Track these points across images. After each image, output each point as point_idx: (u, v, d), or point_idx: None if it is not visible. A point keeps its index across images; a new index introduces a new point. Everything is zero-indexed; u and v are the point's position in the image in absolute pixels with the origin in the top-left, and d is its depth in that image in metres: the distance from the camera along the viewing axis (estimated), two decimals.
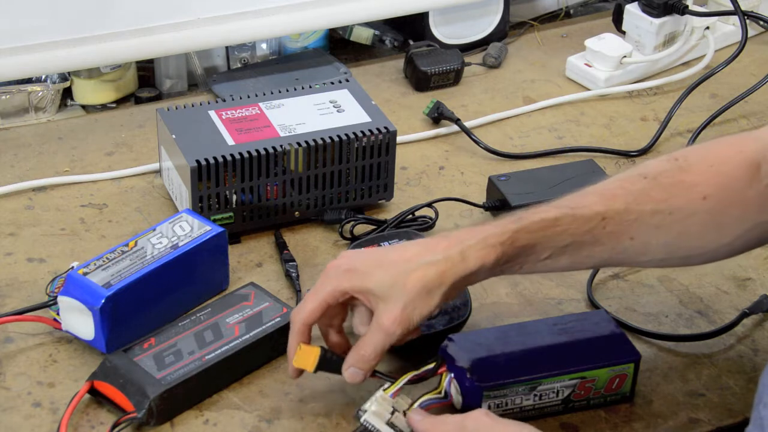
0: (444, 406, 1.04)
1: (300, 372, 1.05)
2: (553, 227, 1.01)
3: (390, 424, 1.00)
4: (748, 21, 1.59)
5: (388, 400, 1.01)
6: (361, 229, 1.29)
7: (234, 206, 1.26)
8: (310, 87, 1.36)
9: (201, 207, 1.24)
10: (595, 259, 1.04)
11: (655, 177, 1.04)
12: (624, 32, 1.63)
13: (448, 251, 1.00)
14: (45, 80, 1.49)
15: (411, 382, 1.03)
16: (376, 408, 1.00)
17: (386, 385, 1.02)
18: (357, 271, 1.01)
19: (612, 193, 1.03)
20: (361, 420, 1.00)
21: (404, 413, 1.01)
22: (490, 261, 1.00)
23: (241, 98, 1.33)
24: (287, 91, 1.35)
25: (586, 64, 1.60)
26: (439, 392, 1.04)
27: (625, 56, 1.58)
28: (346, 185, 1.30)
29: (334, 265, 1.02)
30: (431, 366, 1.04)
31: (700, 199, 1.02)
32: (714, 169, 1.03)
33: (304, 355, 1.03)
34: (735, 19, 1.63)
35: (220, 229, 1.18)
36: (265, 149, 1.24)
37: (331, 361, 1.03)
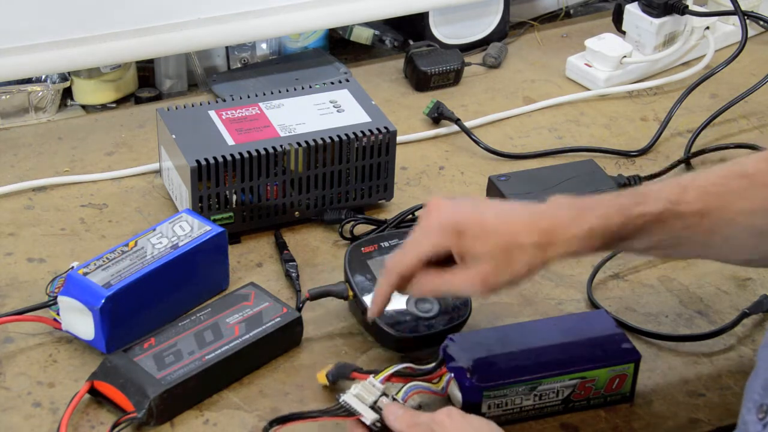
0: (438, 397, 1.05)
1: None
2: (656, 222, 1.00)
3: (375, 407, 1.00)
4: (748, 21, 1.59)
5: (378, 386, 1.01)
6: (361, 229, 1.29)
7: (234, 206, 1.26)
8: (310, 87, 1.36)
9: (201, 207, 1.24)
10: (684, 254, 1.05)
11: (754, 176, 1.03)
12: (624, 32, 1.63)
13: (552, 236, 0.99)
14: (45, 80, 1.49)
15: (407, 375, 1.03)
16: (358, 391, 1.01)
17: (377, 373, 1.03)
18: (465, 234, 0.99)
19: (709, 190, 1.02)
20: (340, 400, 1.00)
21: (393, 398, 1.01)
22: (587, 250, 1.00)
23: (241, 98, 1.33)
24: (287, 91, 1.35)
25: (586, 64, 1.60)
26: (437, 386, 1.04)
27: (625, 56, 1.58)
28: (346, 185, 1.30)
29: (437, 221, 1.01)
30: (431, 365, 1.04)
31: None
32: None
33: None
34: (735, 19, 1.63)
35: (220, 229, 1.18)
36: (265, 149, 1.24)
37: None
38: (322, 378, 1.06)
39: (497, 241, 0.99)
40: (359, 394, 1.00)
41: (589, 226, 0.99)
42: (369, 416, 0.99)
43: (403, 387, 1.02)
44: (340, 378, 1.05)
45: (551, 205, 1.01)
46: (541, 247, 0.98)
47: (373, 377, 1.02)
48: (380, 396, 1.00)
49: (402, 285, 1.02)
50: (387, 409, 0.99)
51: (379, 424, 0.99)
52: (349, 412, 1.00)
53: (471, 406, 1.04)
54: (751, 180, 1.03)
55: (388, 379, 1.02)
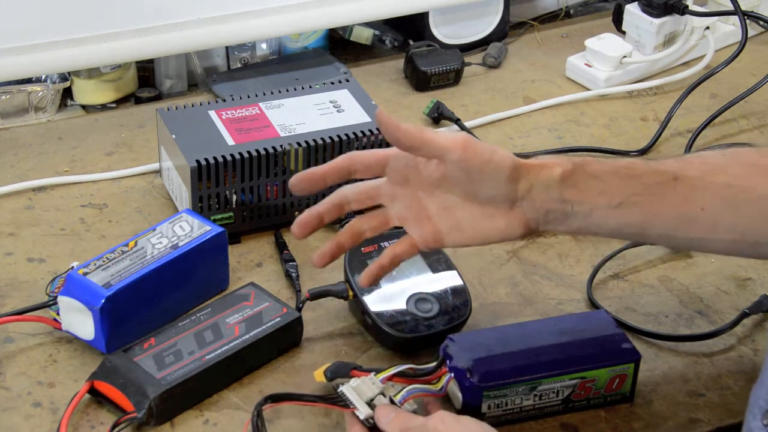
0: (436, 398, 1.04)
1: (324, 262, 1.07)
2: (625, 168, 1.02)
3: (371, 404, 1.00)
4: (748, 21, 1.58)
5: (378, 384, 1.01)
6: None
7: (234, 206, 1.26)
8: (310, 87, 1.36)
9: (201, 207, 1.24)
10: (665, 224, 1.02)
11: (734, 156, 1.04)
12: (624, 32, 1.63)
13: (527, 165, 1.01)
14: (45, 80, 1.49)
15: (409, 376, 1.03)
16: (357, 385, 1.01)
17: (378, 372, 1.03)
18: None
19: (688, 160, 1.04)
20: (338, 390, 1.01)
21: (391, 399, 1.01)
22: (560, 170, 1.00)
23: (241, 98, 1.33)
24: (287, 91, 1.35)
25: (586, 64, 1.60)
26: (436, 386, 1.04)
27: (625, 56, 1.58)
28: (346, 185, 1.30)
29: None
30: (432, 365, 1.04)
31: None
32: None
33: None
34: (735, 19, 1.63)
35: (220, 229, 1.18)
36: (265, 149, 1.24)
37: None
38: (320, 376, 1.06)
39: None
40: (358, 388, 1.01)
41: (557, 158, 1.02)
42: (363, 411, 0.99)
43: (401, 389, 1.02)
44: (338, 376, 1.05)
45: None
46: (516, 160, 1.00)
47: (374, 375, 1.02)
48: (378, 394, 1.00)
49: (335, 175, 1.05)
50: (380, 411, 0.99)
51: (372, 421, 0.99)
52: (344, 403, 1.00)
53: (471, 406, 1.04)
54: (729, 157, 1.04)
55: (389, 379, 1.02)
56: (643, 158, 1.03)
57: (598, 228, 1.02)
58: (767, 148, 1.06)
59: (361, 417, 0.99)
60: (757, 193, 1.01)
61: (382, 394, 1.01)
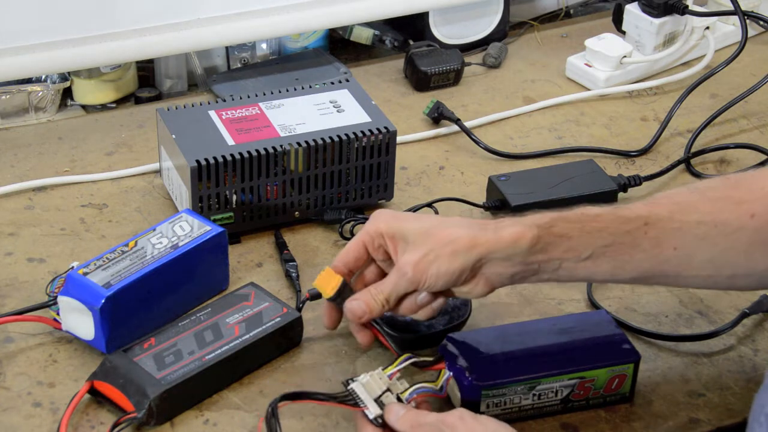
0: (437, 398, 1.04)
1: (332, 323, 1.10)
2: (593, 221, 1.01)
3: (379, 401, 1.00)
4: (748, 21, 1.58)
5: (385, 379, 1.01)
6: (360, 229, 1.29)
7: (234, 206, 1.26)
8: (310, 87, 1.36)
9: (201, 207, 1.24)
10: (637, 268, 1.03)
11: (703, 192, 1.04)
12: (624, 32, 1.63)
13: (485, 225, 1.03)
14: (45, 80, 1.49)
15: (412, 364, 1.03)
16: (367, 380, 1.01)
17: (385, 366, 1.03)
18: (397, 218, 1.06)
19: (657, 202, 1.04)
20: (348, 387, 1.01)
21: (398, 396, 1.01)
22: (525, 241, 1.00)
23: (241, 98, 1.33)
24: (287, 91, 1.35)
25: (586, 64, 1.60)
26: (436, 385, 1.04)
27: (625, 56, 1.58)
28: (346, 185, 1.30)
29: (380, 211, 1.08)
30: (431, 358, 1.05)
31: (748, 216, 1.00)
32: (765, 191, 1.01)
33: (326, 279, 1.08)
34: (735, 19, 1.63)
35: (220, 229, 1.18)
36: (265, 149, 1.24)
37: (349, 295, 1.06)
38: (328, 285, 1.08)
39: (427, 224, 1.04)
40: (368, 384, 1.01)
41: (521, 224, 1.01)
42: (373, 410, 0.99)
43: (408, 388, 1.02)
44: (343, 297, 1.07)
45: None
46: (472, 239, 1.01)
47: (382, 370, 1.02)
48: (385, 390, 1.00)
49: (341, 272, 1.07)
50: (389, 409, 0.99)
51: (381, 420, 0.99)
52: (355, 402, 1.00)
53: (470, 405, 1.04)
54: (699, 194, 1.03)
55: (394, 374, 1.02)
56: (612, 206, 1.03)
57: (567, 278, 1.04)
58: (736, 178, 1.06)
59: (371, 417, 0.99)
60: (730, 228, 1.01)
61: (389, 390, 1.01)
